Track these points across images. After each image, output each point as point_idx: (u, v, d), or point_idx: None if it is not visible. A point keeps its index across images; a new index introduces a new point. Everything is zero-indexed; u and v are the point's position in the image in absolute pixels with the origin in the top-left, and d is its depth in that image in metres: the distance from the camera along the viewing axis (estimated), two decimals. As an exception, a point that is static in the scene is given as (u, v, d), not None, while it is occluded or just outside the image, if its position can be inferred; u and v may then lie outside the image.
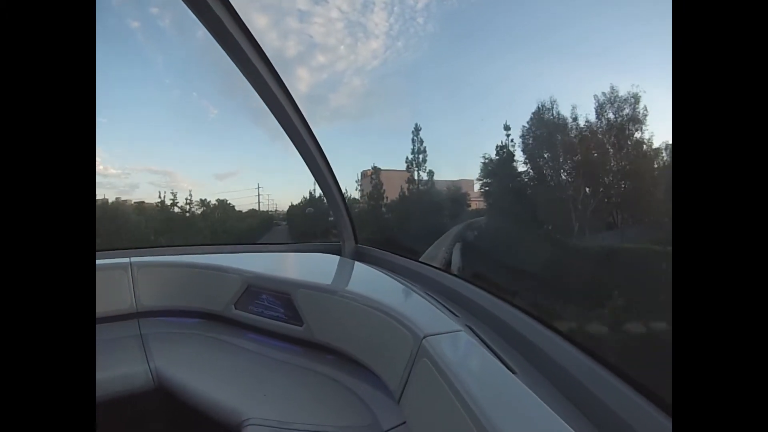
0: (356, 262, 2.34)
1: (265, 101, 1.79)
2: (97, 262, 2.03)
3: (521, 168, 11.31)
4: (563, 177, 10.64)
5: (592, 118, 10.00)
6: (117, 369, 1.64)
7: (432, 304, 1.58)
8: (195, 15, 1.43)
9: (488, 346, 1.23)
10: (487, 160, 12.02)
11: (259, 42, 1.58)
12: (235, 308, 2.00)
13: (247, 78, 1.67)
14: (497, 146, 11.69)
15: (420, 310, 1.49)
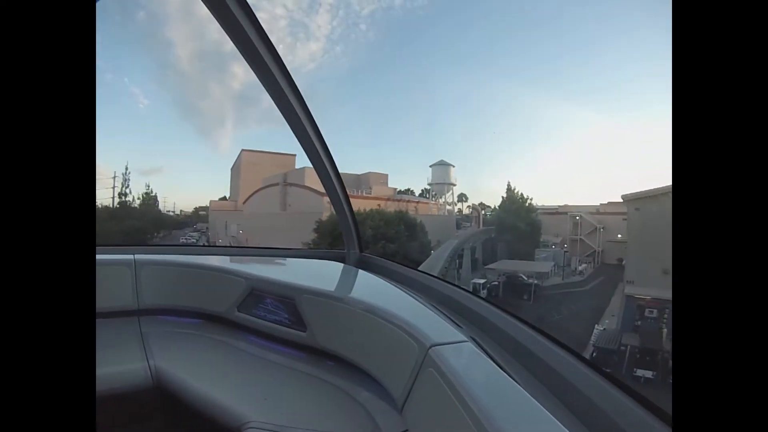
0: (360, 270, 2.33)
1: (274, 100, 1.76)
2: (100, 257, 2.01)
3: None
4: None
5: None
6: (116, 365, 1.63)
7: (436, 314, 1.55)
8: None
9: (492, 358, 1.21)
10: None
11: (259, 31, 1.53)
12: (238, 311, 1.97)
13: (254, 70, 1.63)
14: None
15: (425, 319, 1.47)
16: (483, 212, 42.27)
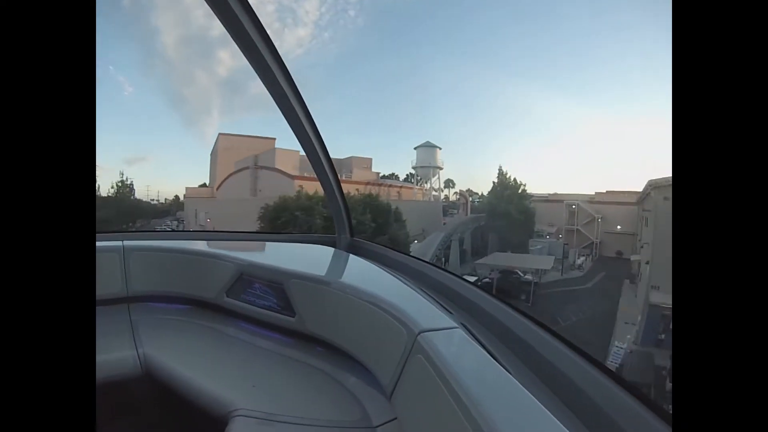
0: (351, 255, 2.42)
1: (263, 81, 1.81)
2: None
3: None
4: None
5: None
6: (105, 354, 1.69)
7: (426, 300, 1.62)
8: None
9: (482, 345, 1.27)
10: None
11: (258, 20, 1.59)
12: (227, 296, 2.05)
13: (244, 53, 1.67)
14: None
15: (415, 305, 1.53)
16: (471, 199, 41.10)
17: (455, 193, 45.68)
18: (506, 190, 34.45)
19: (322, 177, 2.36)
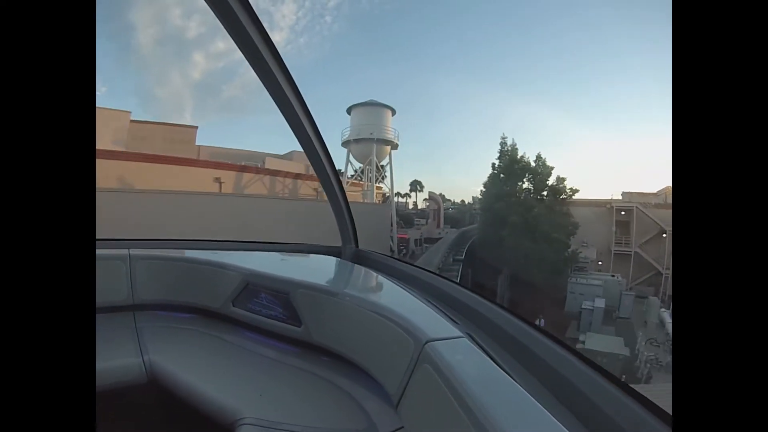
0: (356, 265, 2.56)
1: (265, 84, 1.91)
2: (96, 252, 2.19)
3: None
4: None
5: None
6: (110, 361, 1.81)
7: (431, 309, 1.71)
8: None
9: (488, 354, 1.34)
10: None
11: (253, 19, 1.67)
12: (233, 305, 2.17)
13: (245, 54, 1.77)
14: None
15: (420, 315, 1.62)
16: (444, 206, 35.18)
17: (425, 199, 39.15)
18: (515, 177, 23.16)
19: (326, 186, 2.51)
